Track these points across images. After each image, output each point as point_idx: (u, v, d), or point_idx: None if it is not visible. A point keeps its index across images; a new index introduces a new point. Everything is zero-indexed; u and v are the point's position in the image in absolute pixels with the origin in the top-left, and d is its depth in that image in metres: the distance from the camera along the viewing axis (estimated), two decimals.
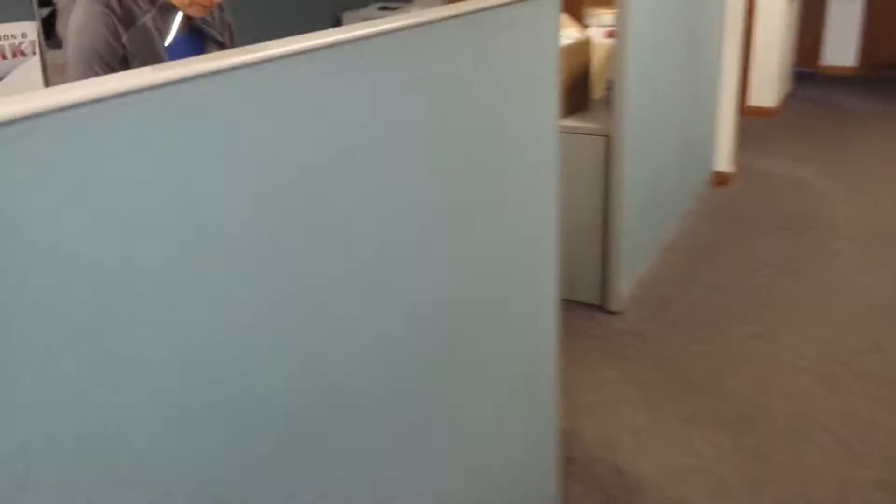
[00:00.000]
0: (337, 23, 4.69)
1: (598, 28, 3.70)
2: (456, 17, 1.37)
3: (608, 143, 3.08)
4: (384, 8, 4.67)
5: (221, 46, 1.96)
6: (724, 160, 4.61)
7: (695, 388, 2.61)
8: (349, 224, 1.12)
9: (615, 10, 2.99)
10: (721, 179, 4.62)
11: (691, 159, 4.16)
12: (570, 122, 3.17)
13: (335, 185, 1.08)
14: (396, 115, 1.21)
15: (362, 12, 4.66)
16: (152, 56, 1.77)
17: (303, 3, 4.50)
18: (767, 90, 5.98)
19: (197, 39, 1.91)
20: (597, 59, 3.54)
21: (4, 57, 2.66)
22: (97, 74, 1.72)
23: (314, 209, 1.04)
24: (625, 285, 3.22)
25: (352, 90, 1.10)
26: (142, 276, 0.80)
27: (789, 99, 6.59)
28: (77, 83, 0.74)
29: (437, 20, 1.31)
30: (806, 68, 7.48)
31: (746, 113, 5.86)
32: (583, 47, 3.34)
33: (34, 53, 2.74)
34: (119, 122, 0.76)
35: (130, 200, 0.78)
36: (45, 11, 2.84)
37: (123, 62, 1.74)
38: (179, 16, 1.81)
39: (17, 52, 2.69)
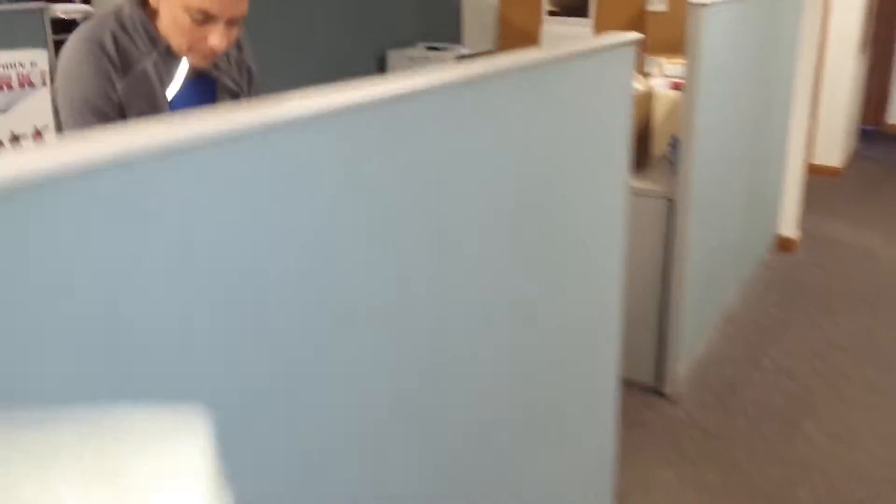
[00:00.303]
0: (381, 61, 4.48)
1: (662, 78, 3.42)
2: (524, 68, 1.12)
3: (671, 207, 2.78)
4: (432, 48, 4.44)
5: (236, 96, 1.71)
6: (788, 223, 4.27)
7: (763, 498, 2.27)
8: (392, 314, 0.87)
9: (683, 61, 2.70)
10: (785, 245, 4.27)
11: (754, 222, 3.83)
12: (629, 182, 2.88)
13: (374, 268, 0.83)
14: (452, 182, 0.95)
15: (408, 52, 4.43)
16: (151, 107, 1.52)
17: (345, 41, 4.30)
18: (833, 148, 5.63)
19: (207, 88, 1.66)
20: (659, 112, 3.25)
21: (10, 87, 2.45)
22: (89, 125, 1.47)
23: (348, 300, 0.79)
24: (683, 365, 2.89)
25: (392, 155, 0.84)
26: None
27: (854, 158, 6.22)
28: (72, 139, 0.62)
29: (499, 72, 1.07)
30: (871, 126, 7.10)
31: (810, 172, 5.51)
32: (644, 99, 3.06)
33: (44, 84, 2.53)
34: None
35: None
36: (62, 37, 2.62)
37: (120, 110, 1.50)
38: (185, 60, 1.57)
39: (25, 82, 2.48)
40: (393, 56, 4.44)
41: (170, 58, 1.55)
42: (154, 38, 1.54)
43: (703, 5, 2.57)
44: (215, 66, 1.64)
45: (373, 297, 0.90)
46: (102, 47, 1.49)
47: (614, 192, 1.53)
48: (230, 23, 1.51)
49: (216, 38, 1.51)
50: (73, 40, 1.50)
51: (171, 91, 1.56)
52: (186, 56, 1.56)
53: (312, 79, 3.82)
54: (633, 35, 1.59)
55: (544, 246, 1.30)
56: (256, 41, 1.81)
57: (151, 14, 1.54)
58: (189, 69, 1.58)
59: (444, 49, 4.41)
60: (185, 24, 1.50)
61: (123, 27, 1.52)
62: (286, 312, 0.79)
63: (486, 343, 1.17)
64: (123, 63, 1.50)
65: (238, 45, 1.72)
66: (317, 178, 0.81)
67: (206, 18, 1.49)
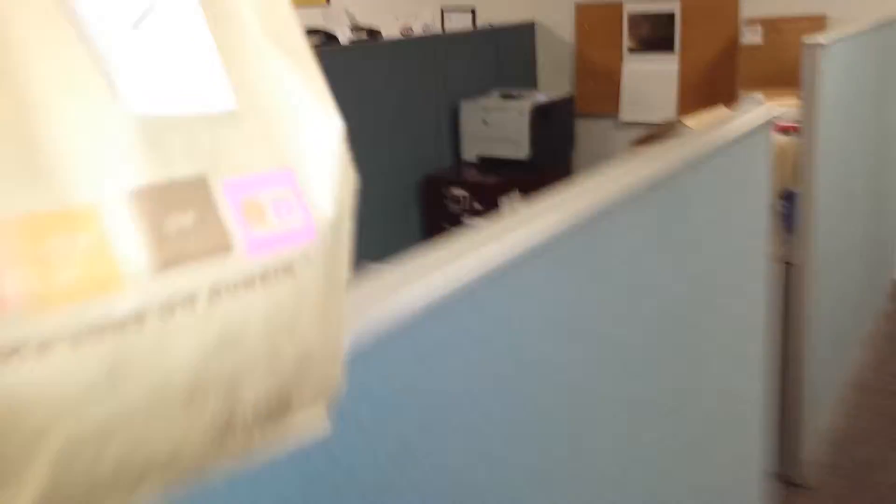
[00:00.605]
0: (455, 113, 4.28)
1: None
2: (661, 179, 0.93)
3: (789, 272, 2.47)
4: (507, 96, 4.22)
5: None
6: None
7: None
8: None
9: (787, 100, 2.41)
10: None
11: (872, 270, 3.47)
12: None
13: None
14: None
15: (483, 101, 4.22)
16: None
17: (416, 92, 4.11)
18: None
19: None
20: None
21: None
22: None
23: None
24: (812, 447, 2.56)
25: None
26: None
27: None
28: None
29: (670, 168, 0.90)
30: None
31: None
32: None
33: None
34: None
35: None
36: None
37: None
38: None
39: None
40: (467, 107, 4.23)
41: None
42: None
43: (820, 45, 2.27)
44: None
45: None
46: None
47: (757, 273, 1.33)
48: None
49: None
50: None
51: None
52: None
53: (383, 131, 3.62)
54: (768, 109, 1.35)
55: (693, 338, 1.23)
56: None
57: None
58: None
59: (520, 97, 4.19)
60: None
61: None
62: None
63: (635, 438, 1.12)
64: None
65: None
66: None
67: None
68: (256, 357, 0.35)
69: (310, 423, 0.40)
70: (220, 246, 0.34)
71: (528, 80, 4.71)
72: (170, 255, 0.32)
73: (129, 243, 0.31)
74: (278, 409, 0.37)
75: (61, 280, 0.28)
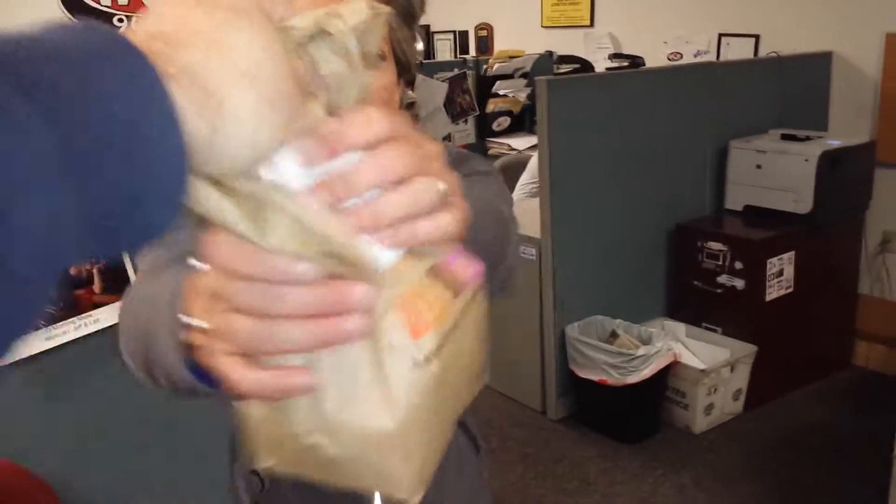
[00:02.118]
0: (722, 154, 3.68)
1: None
2: None
3: None
4: (790, 137, 3.54)
5: None
6: None
7: None
8: None
9: None
10: None
11: None
12: None
13: None
14: None
15: (758, 142, 3.58)
16: None
17: (676, 126, 3.57)
18: None
19: None
20: None
21: None
22: None
23: None
24: None
25: None
26: None
27: None
28: None
29: None
30: None
31: None
32: None
33: None
34: None
35: None
36: None
37: None
38: None
39: None
40: (738, 147, 3.61)
41: None
42: None
43: None
44: None
45: None
46: None
47: None
48: None
49: None
50: None
51: None
52: None
53: (635, 169, 3.11)
54: None
55: None
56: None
57: None
58: None
59: (806, 139, 3.49)
60: None
61: None
62: None
63: None
64: None
65: (465, 158, 1.01)
66: None
67: None
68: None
69: None
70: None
71: (818, 120, 3.97)
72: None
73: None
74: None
75: (430, 318, 0.48)
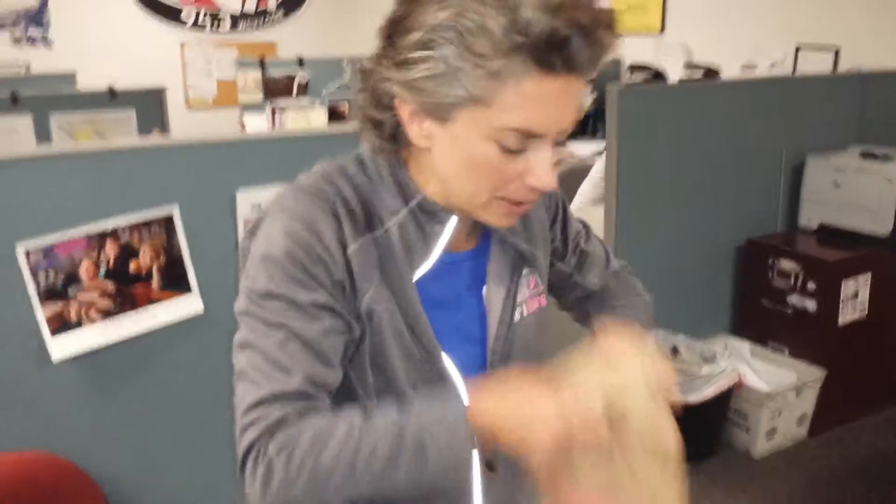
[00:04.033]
0: (798, 170, 3.55)
1: None
2: None
3: None
4: (870, 155, 3.40)
5: (522, 262, 1.10)
6: None
7: None
8: None
9: None
10: None
11: None
12: None
13: None
14: None
15: (837, 159, 3.45)
16: (387, 300, 0.97)
17: (750, 140, 3.45)
18: None
19: (479, 254, 1.08)
20: None
21: None
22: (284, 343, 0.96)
23: None
24: None
25: None
26: None
27: None
28: None
29: None
30: None
31: None
32: None
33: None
34: None
35: None
36: None
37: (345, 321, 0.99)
38: (453, 223, 1.01)
39: None
40: (814, 163, 3.48)
41: (428, 219, 0.99)
42: (408, 192, 0.98)
43: None
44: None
45: None
46: (342, 203, 0.98)
47: None
48: (558, 144, 0.91)
49: (543, 171, 0.90)
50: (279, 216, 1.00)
51: (425, 268, 1.00)
52: (482, 213, 0.95)
53: (706, 182, 3.00)
54: None
55: None
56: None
57: (405, 160, 1.01)
58: (458, 234, 1.03)
59: (887, 158, 3.35)
60: (489, 160, 0.89)
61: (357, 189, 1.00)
62: None
63: None
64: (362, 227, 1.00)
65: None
66: None
67: (524, 142, 0.88)
68: None
69: None
70: None
71: None
72: None
73: None
74: None
75: None
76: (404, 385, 0.99)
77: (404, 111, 0.93)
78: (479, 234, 1.06)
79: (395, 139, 0.98)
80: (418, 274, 0.99)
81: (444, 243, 1.00)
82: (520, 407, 0.85)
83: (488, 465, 1.04)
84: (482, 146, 0.88)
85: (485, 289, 1.06)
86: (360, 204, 0.97)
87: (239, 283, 1.00)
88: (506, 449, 0.86)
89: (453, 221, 1.00)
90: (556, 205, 1.18)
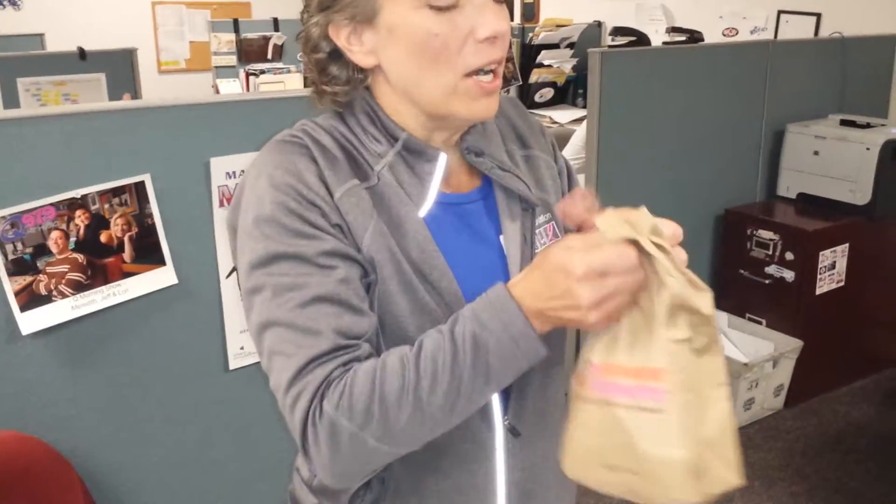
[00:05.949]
0: (777, 138, 3.53)
1: None
2: None
3: None
4: (849, 124, 3.40)
5: (529, 209, 1.03)
6: None
7: None
8: None
9: None
10: None
11: None
12: None
13: None
14: None
15: (816, 127, 3.44)
16: (388, 249, 0.91)
17: (730, 107, 3.43)
18: None
19: (485, 195, 1.02)
20: None
21: None
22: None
23: None
24: None
25: None
26: None
27: None
28: None
29: None
30: None
31: None
32: None
33: None
34: None
35: None
36: None
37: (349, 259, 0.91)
38: (443, 160, 0.97)
39: None
40: (794, 132, 3.47)
41: (416, 159, 0.96)
42: (391, 132, 0.95)
43: None
44: (499, 167, 1.01)
45: None
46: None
47: None
48: None
49: (486, 18, 0.87)
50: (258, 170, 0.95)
51: (424, 210, 0.94)
52: (458, 106, 0.91)
53: (686, 150, 2.96)
54: None
55: None
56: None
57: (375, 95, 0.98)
58: (449, 171, 0.98)
59: (867, 127, 3.34)
60: (430, 30, 0.87)
61: (342, 139, 0.97)
62: None
63: None
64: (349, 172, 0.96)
65: (540, 130, 1.12)
66: None
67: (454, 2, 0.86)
68: None
69: None
70: None
71: (880, 107, 3.80)
72: None
73: None
74: None
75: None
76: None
77: (341, 38, 0.91)
78: (481, 176, 1.01)
79: (350, 83, 0.95)
80: (422, 212, 0.93)
81: (438, 182, 0.94)
82: (549, 273, 0.81)
83: (512, 431, 0.99)
84: (417, 19, 0.86)
85: (501, 237, 0.99)
86: (342, 150, 0.92)
87: (236, 274, 0.95)
88: (555, 322, 0.82)
89: (443, 159, 0.95)
90: (563, 161, 1.14)
